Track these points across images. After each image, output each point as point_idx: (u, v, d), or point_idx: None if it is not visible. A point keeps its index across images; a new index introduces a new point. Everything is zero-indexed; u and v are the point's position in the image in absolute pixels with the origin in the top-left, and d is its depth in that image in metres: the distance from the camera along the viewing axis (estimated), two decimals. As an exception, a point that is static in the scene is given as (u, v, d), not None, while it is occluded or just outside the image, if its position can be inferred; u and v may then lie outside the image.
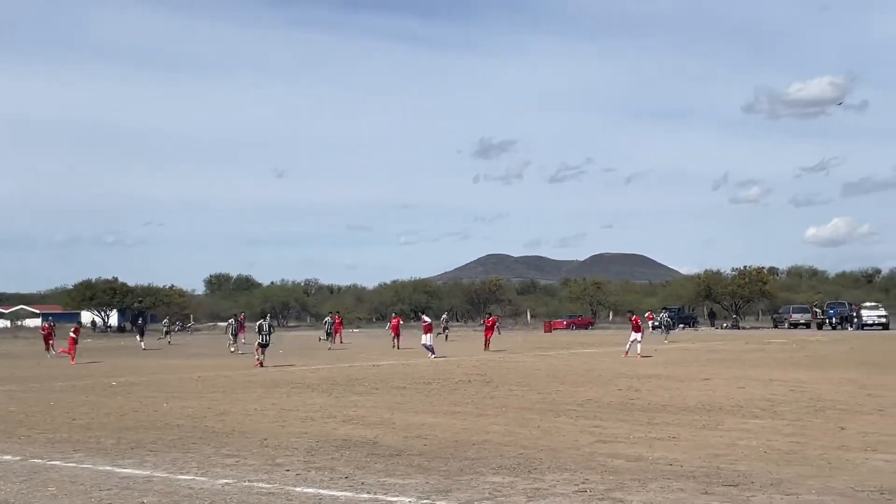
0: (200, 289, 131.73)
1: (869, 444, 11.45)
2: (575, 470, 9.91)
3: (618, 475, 9.55)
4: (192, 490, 9.12)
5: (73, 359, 35.15)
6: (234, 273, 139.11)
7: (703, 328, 76.27)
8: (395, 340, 41.21)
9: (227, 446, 12.01)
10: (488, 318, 41.67)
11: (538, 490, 8.89)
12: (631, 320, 33.05)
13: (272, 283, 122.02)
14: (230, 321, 43.89)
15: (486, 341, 38.27)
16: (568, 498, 8.52)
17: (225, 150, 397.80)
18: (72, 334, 37.46)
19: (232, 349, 39.92)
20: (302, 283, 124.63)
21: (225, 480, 9.57)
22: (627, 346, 31.65)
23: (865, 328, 64.74)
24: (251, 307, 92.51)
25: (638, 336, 31.38)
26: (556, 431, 12.99)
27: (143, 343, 46.07)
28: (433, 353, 31.89)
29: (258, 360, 28.87)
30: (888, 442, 11.55)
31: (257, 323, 31.34)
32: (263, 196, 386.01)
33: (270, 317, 41.38)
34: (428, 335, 32.57)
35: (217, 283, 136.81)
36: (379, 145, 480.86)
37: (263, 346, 29.24)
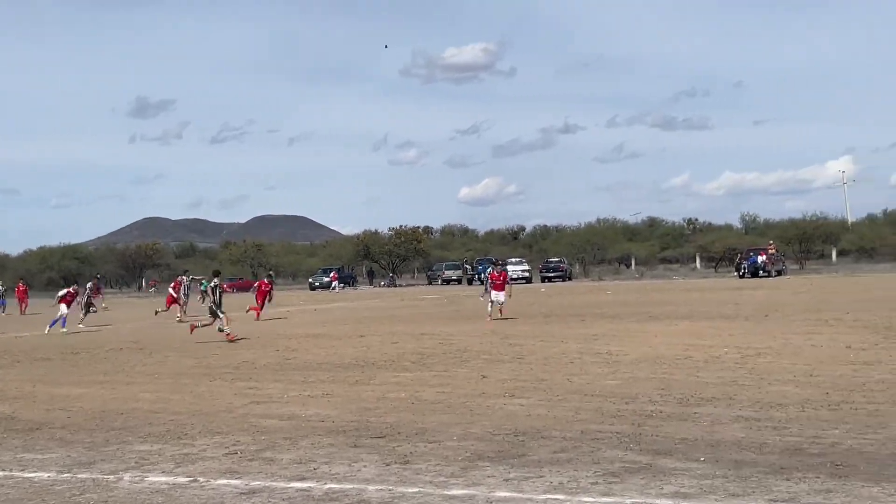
0: None
1: (507, 390, 12.22)
2: (227, 433, 9.82)
3: (270, 435, 9.57)
4: None
5: None
6: None
7: (362, 287, 78.02)
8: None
9: None
10: (267, 280, 33.37)
11: (187, 455, 8.73)
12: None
13: None
14: None
15: (257, 309, 31.62)
16: (218, 461, 8.43)
17: None
18: None
19: None
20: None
21: None
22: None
23: (511, 282, 68.95)
24: None
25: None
26: (210, 395, 12.81)
27: None
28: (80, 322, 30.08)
29: None
30: (524, 387, 12.39)
31: None
32: None
33: None
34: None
35: None
36: (26, 101, 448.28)
37: None
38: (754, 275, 59.41)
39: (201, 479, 7.78)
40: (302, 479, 7.65)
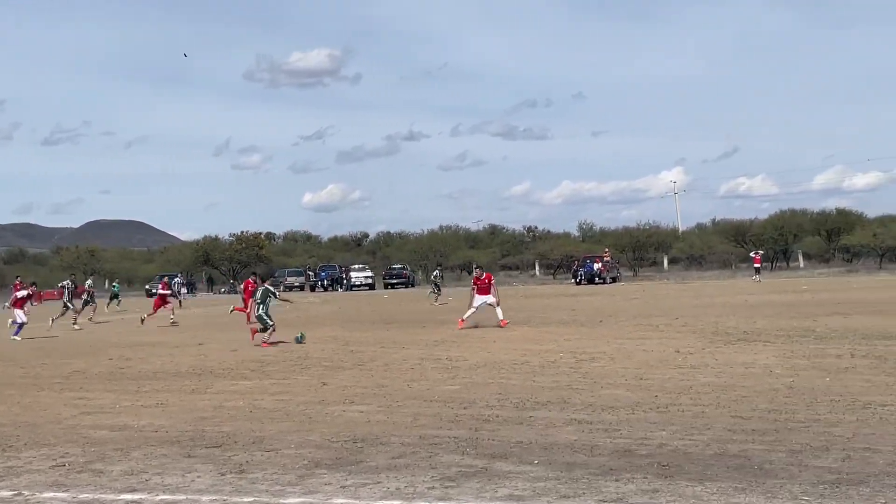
0: None
1: (347, 396, 12.20)
2: (54, 444, 9.45)
3: (100, 446, 9.26)
4: None
5: None
6: None
7: (201, 294, 76.45)
8: None
9: None
10: (252, 280, 29.30)
11: (11, 468, 8.36)
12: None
13: None
14: None
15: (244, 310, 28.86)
16: (44, 473, 8.10)
17: None
18: None
19: None
20: None
21: None
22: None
23: (354, 289, 68.97)
24: None
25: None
26: (38, 406, 12.31)
27: None
28: None
29: None
30: (364, 394, 12.39)
31: None
32: None
33: None
34: None
35: None
36: None
37: None
38: (590, 281, 61.16)
39: (26, 493, 7.46)
40: (133, 490, 7.43)
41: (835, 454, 7.88)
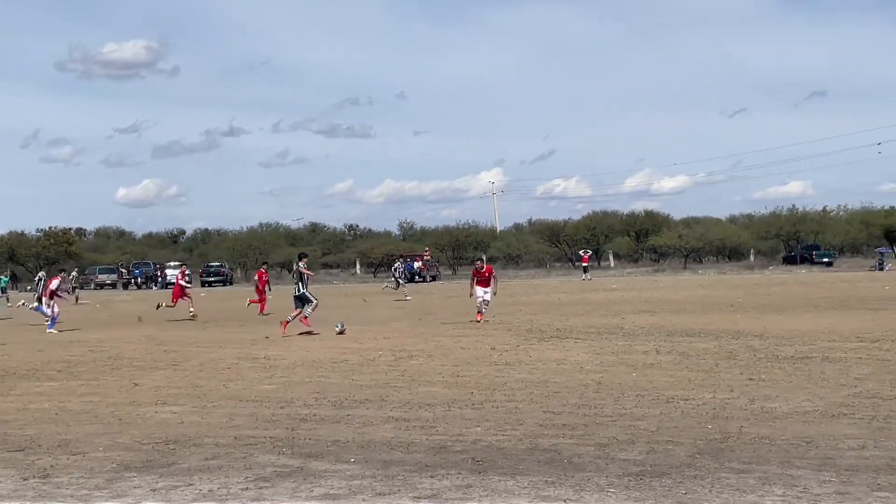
0: None
1: (160, 397, 11.88)
2: None
3: None
4: None
5: None
6: None
7: (11, 292, 72.75)
8: None
9: None
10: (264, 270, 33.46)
11: None
12: None
13: None
14: None
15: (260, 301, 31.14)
16: None
17: None
18: None
19: None
20: None
21: None
22: None
23: (170, 286, 67.13)
24: None
25: None
26: None
27: None
28: None
29: None
30: (177, 395, 12.10)
31: None
32: None
33: None
34: None
35: None
36: None
37: None
38: (410, 280, 61.59)
39: None
40: (-75, 500, 7.02)
41: (640, 447, 8.23)
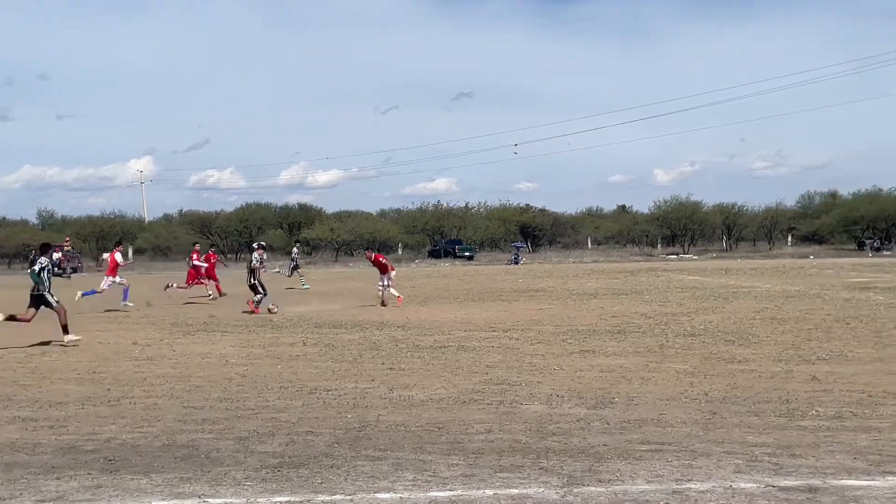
0: None
1: None
2: None
3: None
4: None
5: None
6: None
7: None
8: None
9: None
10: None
11: None
12: None
13: None
14: None
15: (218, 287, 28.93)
16: None
17: None
18: None
19: None
20: None
21: None
22: None
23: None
24: None
25: None
26: None
27: None
28: None
29: None
30: None
31: None
32: None
33: None
34: None
35: None
36: None
37: None
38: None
39: None
40: None
41: (280, 439, 8.25)
